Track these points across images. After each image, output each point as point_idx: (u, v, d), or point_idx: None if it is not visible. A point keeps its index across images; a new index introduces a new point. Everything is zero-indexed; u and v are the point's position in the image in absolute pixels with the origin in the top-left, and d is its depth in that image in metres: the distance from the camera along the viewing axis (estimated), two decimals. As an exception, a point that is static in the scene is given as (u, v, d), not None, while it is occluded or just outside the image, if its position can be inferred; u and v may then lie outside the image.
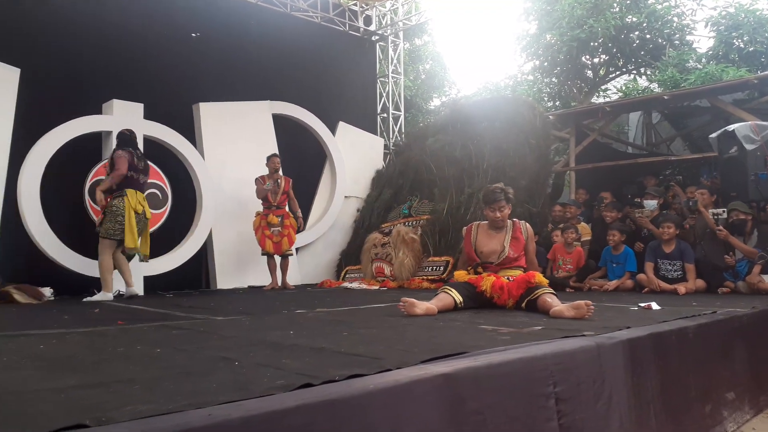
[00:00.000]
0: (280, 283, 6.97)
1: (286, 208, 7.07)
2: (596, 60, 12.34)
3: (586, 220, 7.19)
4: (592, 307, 3.16)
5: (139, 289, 6.26)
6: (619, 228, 5.97)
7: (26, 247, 5.86)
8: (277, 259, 7.01)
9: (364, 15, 9.90)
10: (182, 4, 7.58)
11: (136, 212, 5.46)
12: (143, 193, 5.65)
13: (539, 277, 3.77)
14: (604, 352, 2.21)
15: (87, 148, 6.29)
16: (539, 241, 6.19)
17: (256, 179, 6.98)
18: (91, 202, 6.08)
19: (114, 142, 6.30)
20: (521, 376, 1.89)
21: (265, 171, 7.02)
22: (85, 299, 5.29)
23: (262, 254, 6.93)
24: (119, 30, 6.88)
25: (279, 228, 6.89)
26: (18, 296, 5.11)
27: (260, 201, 6.98)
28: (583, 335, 2.39)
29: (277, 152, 7.24)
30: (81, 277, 6.03)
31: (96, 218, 5.98)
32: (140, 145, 6.49)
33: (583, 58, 12.11)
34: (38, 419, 1.24)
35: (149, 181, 6.45)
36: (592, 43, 11.46)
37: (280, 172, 7.08)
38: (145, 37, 7.07)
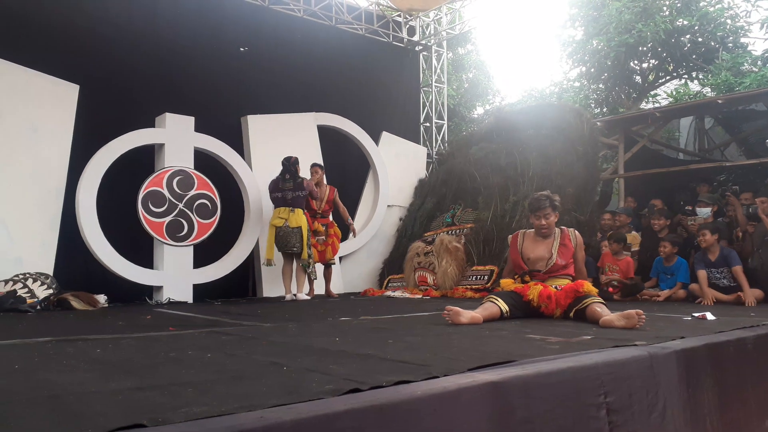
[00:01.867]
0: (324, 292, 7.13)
1: (330, 218, 7.17)
2: (645, 65, 12.05)
3: (636, 228, 7.01)
4: (644, 316, 3.07)
5: (188, 296, 6.43)
6: (671, 239, 5.80)
7: (83, 255, 6.09)
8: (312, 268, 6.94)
9: (407, 26, 9.96)
10: (231, 20, 7.80)
11: (276, 226, 6.50)
12: (290, 206, 6.57)
13: (588, 286, 3.69)
14: (657, 363, 2.15)
15: (141, 161, 6.51)
16: (588, 250, 6.06)
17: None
18: (144, 213, 6.29)
19: (166, 155, 6.54)
20: (571, 386, 1.85)
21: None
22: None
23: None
24: (171, 46, 7.13)
25: (323, 237, 6.99)
26: (75, 303, 5.32)
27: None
28: (635, 345, 2.33)
29: (319, 162, 7.33)
30: (134, 285, 6.24)
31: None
32: (191, 157, 6.73)
33: (632, 64, 11.85)
34: (97, 420, 1.28)
35: (199, 192, 6.66)
36: (640, 48, 11.20)
37: (325, 181, 7.23)
38: (195, 52, 7.30)
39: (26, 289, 5.39)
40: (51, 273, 5.76)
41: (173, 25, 7.26)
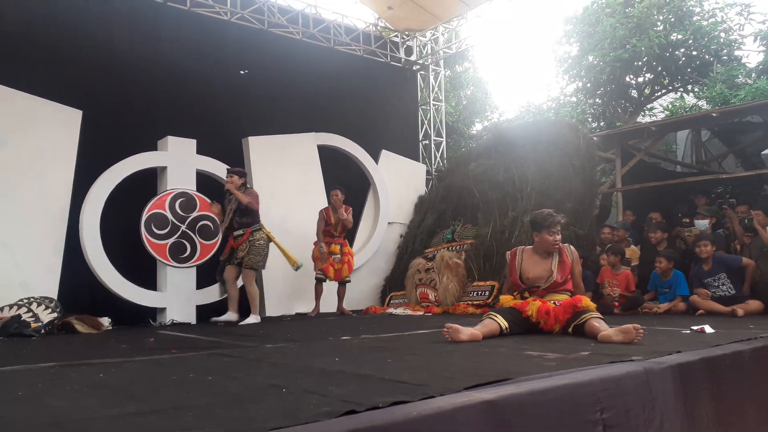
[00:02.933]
0: (336, 309, 7.42)
1: (342, 238, 7.42)
2: (641, 79, 12.14)
3: (635, 242, 7.03)
4: (642, 330, 3.10)
5: (191, 317, 6.46)
6: (666, 254, 5.82)
7: (87, 279, 6.13)
8: (327, 285, 7.30)
9: (405, 46, 10.08)
10: (231, 43, 7.92)
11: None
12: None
13: (586, 301, 3.72)
14: (653, 378, 2.18)
15: (143, 184, 6.58)
16: (587, 264, 6.09)
17: (320, 212, 7.36)
18: (147, 235, 6.34)
19: (169, 177, 6.59)
20: (567, 403, 1.88)
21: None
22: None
23: (320, 279, 7.24)
24: (173, 70, 7.24)
25: (340, 255, 7.24)
26: (79, 326, 5.34)
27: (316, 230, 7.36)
28: (631, 360, 2.35)
29: (340, 187, 7.42)
30: (137, 307, 6.27)
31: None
32: (193, 179, 6.80)
33: (627, 78, 11.93)
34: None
35: (201, 213, 6.72)
36: (635, 63, 11.30)
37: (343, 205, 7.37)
38: (196, 75, 7.41)
39: (30, 314, 5.41)
40: (55, 297, 5.79)
41: (175, 50, 7.38)
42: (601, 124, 12.79)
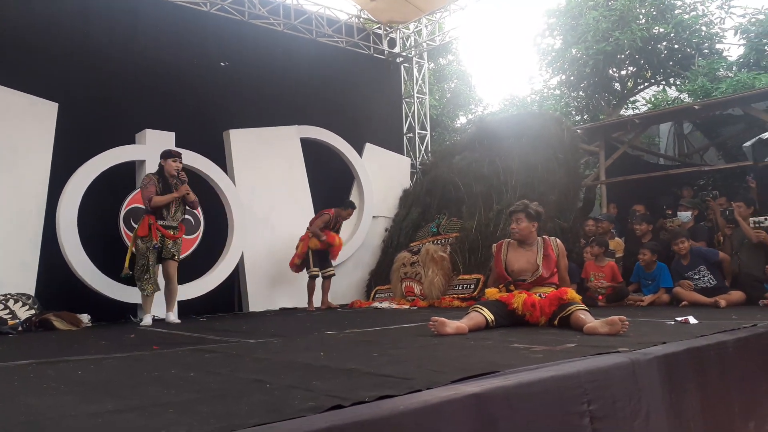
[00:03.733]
0: (320, 303, 7.19)
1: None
2: (623, 72, 12.23)
3: (619, 234, 7.07)
4: (627, 322, 3.09)
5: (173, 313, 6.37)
6: (650, 247, 5.86)
7: (65, 275, 6.02)
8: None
9: (388, 38, 10.02)
10: (211, 35, 7.80)
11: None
12: None
13: (571, 294, 3.72)
14: (639, 369, 2.17)
15: (122, 178, 6.47)
16: (571, 257, 6.10)
17: (322, 213, 7.27)
18: (126, 230, 6.23)
19: (147, 171, 6.47)
20: (554, 395, 1.86)
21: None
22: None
23: (313, 276, 7.15)
24: (151, 62, 7.12)
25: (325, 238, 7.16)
26: (57, 323, 5.24)
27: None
28: (618, 351, 2.34)
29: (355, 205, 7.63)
30: (117, 303, 6.17)
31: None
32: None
33: (610, 71, 12.02)
34: (76, 443, 1.27)
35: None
36: (618, 56, 11.37)
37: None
38: (175, 67, 7.29)
39: (7, 311, 5.31)
40: (32, 293, 5.67)
41: (153, 41, 7.25)
42: (585, 116, 12.87)
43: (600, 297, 5.83)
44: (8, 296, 5.40)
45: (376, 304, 7.35)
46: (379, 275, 8.40)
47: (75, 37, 6.66)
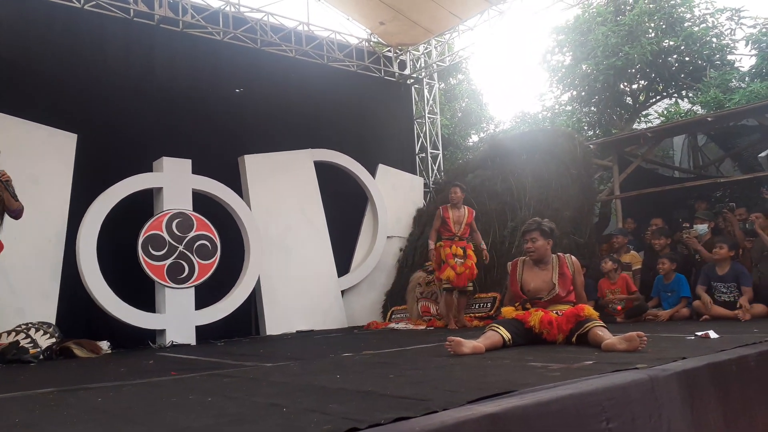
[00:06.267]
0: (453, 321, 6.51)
1: (466, 241, 6.64)
2: (635, 86, 12.22)
3: (637, 248, 7.01)
4: (645, 338, 3.06)
5: (191, 338, 6.40)
6: (669, 256, 5.81)
7: (85, 302, 6.09)
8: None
9: (398, 60, 10.13)
10: (225, 63, 7.95)
11: None
12: None
13: (588, 310, 3.69)
14: (658, 386, 2.15)
15: (140, 205, 6.56)
16: (588, 273, 6.06)
17: (438, 209, 6.74)
18: (145, 257, 6.31)
19: (165, 198, 6.56)
20: (572, 413, 1.85)
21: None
22: None
23: (444, 288, 6.61)
24: (167, 90, 7.27)
25: (462, 259, 6.47)
26: (77, 351, 5.29)
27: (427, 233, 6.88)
28: (636, 368, 2.32)
29: (459, 183, 6.91)
30: (136, 330, 6.22)
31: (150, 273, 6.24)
32: (189, 199, 6.76)
33: (621, 85, 12.01)
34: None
35: (199, 233, 6.67)
36: (629, 70, 11.38)
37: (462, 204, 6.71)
38: (191, 95, 7.43)
39: (29, 339, 5.36)
40: (53, 321, 5.74)
41: (169, 71, 7.41)
42: (597, 131, 12.85)
43: (618, 309, 5.75)
44: (30, 325, 5.46)
45: (393, 325, 7.33)
46: (395, 295, 8.38)
47: (92, 68, 6.83)
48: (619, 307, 5.77)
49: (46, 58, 6.53)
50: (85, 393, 2.73)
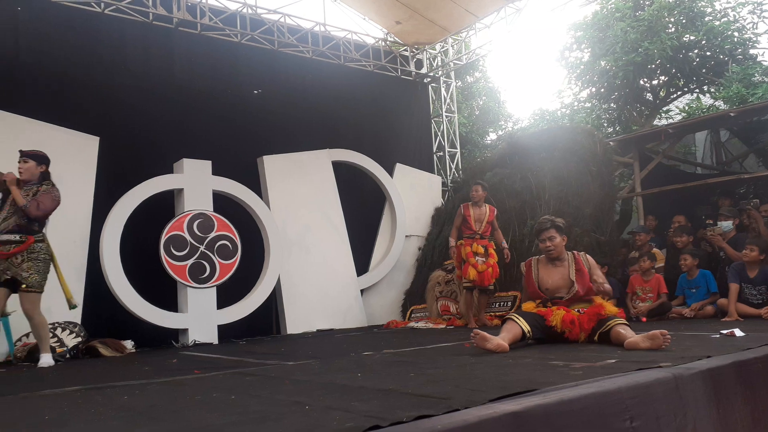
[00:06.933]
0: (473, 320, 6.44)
1: (487, 239, 6.57)
2: (655, 82, 12.04)
3: (659, 246, 6.93)
4: (669, 336, 3.03)
5: (213, 337, 6.47)
6: (691, 252, 5.73)
7: (109, 302, 6.19)
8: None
9: (415, 59, 10.13)
10: (243, 64, 8.03)
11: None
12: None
13: (610, 308, 3.66)
14: (682, 384, 2.12)
15: (161, 207, 6.65)
16: (609, 271, 6.01)
17: (459, 207, 6.67)
18: (167, 257, 6.38)
19: (186, 199, 6.64)
20: (595, 412, 1.84)
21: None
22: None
23: (464, 286, 6.56)
24: (186, 93, 7.36)
25: (484, 258, 6.42)
26: (103, 350, 5.39)
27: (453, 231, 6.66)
28: (659, 366, 2.30)
29: (480, 181, 6.84)
30: (160, 329, 6.31)
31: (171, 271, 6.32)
32: (210, 200, 6.83)
33: (641, 81, 11.84)
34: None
35: (219, 233, 6.74)
36: (649, 66, 11.21)
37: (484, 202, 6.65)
38: (210, 97, 7.52)
39: (55, 339, 5.48)
40: (79, 321, 5.84)
41: (188, 73, 7.50)
42: (617, 128, 12.70)
43: (644, 320, 5.63)
44: (56, 325, 5.57)
45: (412, 324, 7.33)
46: (414, 295, 8.38)
47: (113, 71, 6.93)
48: (644, 319, 5.65)
49: (68, 63, 6.64)
50: (112, 391, 2.78)
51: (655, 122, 12.08)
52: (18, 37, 6.44)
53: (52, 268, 4.70)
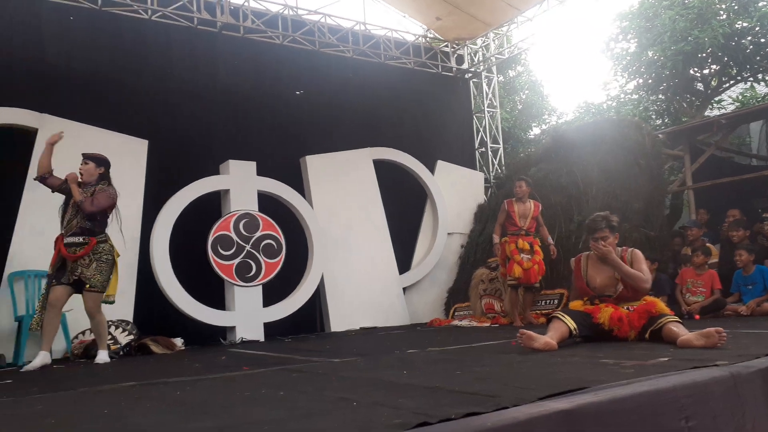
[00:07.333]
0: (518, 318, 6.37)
1: (532, 236, 6.48)
2: (706, 71, 11.63)
3: (712, 240, 6.69)
4: (725, 334, 2.92)
5: (259, 335, 6.58)
6: (746, 247, 5.51)
7: (159, 301, 6.37)
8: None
9: (455, 55, 10.05)
10: (285, 65, 8.13)
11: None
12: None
13: (660, 305, 3.55)
14: (740, 383, 2.05)
15: (208, 207, 6.80)
16: (660, 267, 5.84)
17: (503, 203, 6.58)
18: (214, 257, 6.53)
19: (232, 199, 6.77)
20: (649, 411, 1.79)
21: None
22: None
23: (509, 284, 6.47)
24: (230, 95, 7.50)
25: (529, 255, 6.33)
26: (154, 347, 5.55)
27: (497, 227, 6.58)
28: (716, 365, 2.22)
29: (524, 177, 6.76)
30: (208, 327, 6.46)
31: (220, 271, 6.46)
32: (255, 200, 6.95)
33: (691, 71, 11.46)
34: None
35: (265, 233, 6.85)
36: (699, 55, 10.84)
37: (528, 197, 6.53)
38: (254, 99, 7.65)
39: (110, 336, 5.67)
40: (131, 320, 6.04)
41: (232, 76, 7.64)
42: (666, 120, 12.33)
43: (697, 318, 5.44)
44: (110, 323, 5.76)
45: (456, 322, 7.29)
46: (457, 293, 8.33)
47: (160, 76, 7.13)
48: (697, 316, 5.45)
49: (118, 69, 6.86)
50: (165, 387, 2.86)
51: (706, 113, 11.67)
52: (72, 47, 6.68)
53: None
